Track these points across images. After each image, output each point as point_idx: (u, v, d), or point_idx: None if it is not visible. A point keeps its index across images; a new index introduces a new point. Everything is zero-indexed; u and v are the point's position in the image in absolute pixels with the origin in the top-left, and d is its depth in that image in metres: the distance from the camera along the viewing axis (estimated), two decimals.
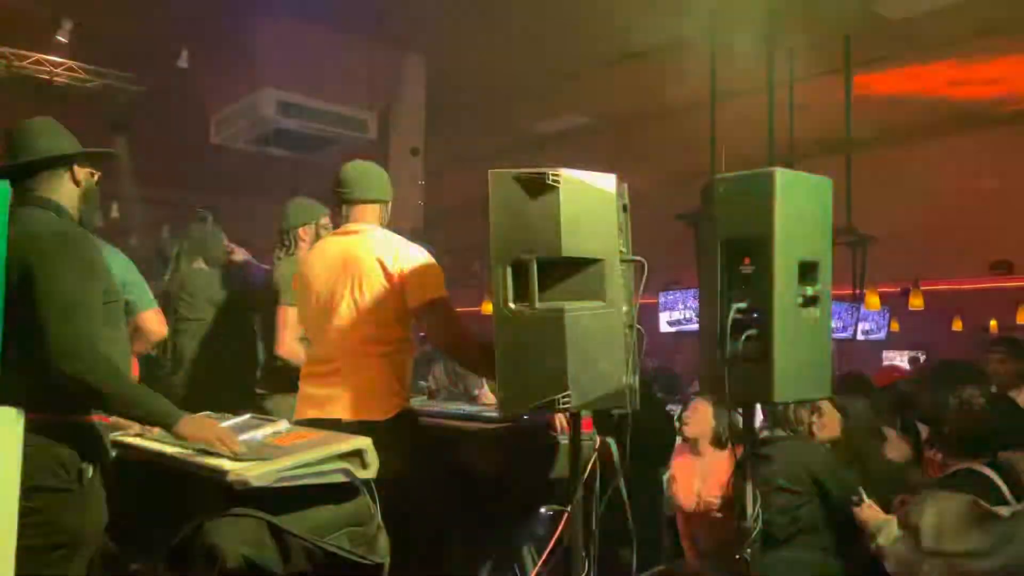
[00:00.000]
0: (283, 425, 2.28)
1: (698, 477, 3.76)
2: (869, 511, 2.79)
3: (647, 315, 8.37)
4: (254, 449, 2.05)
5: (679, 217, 6.98)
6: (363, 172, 2.72)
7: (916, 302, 9.89)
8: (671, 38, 7.41)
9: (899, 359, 11.41)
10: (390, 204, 2.77)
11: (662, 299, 8.78)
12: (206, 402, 2.74)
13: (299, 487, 1.93)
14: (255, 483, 1.83)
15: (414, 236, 2.95)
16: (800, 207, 2.19)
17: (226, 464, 1.91)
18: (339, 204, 2.70)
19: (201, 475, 1.97)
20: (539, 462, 2.55)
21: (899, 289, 10.30)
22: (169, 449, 2.12)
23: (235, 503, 1.90)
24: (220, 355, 3.87)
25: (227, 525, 1.89)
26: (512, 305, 2.11)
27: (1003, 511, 2.44)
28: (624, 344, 2.15)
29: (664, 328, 8.82)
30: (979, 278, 10.54)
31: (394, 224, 2.80)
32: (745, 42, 6.87)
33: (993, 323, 10.51)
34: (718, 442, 3.77)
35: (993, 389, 4.15)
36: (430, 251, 2.57)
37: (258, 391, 3.52)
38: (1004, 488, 2.54)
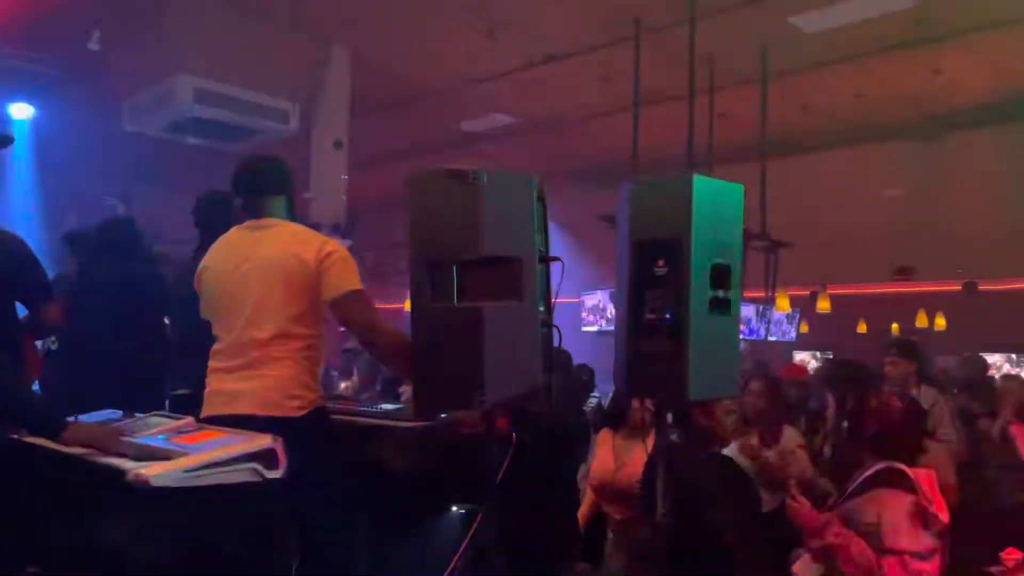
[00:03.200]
0: (189, 423, 2.21)
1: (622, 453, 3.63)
2: (801, 508, 2.66)
3: (569, 314, 8.47)
4: (156, 448, 1.98)
5: (601, 218, 7.07)
6: (265, 164, 2.68)
7: (823, 305, 10.31)
8: (595, 44, 7.52)
9: (813, 360, 11.85)
10: (293, 196, 2.71)
11: (583, 299, 8.90)
12: (112, 400, 2.65)
13: (205, 487, 1.87)
14: (155, 483, 1.76)
15: (334, 231, 2.91)
16: (714, 212, 2.26)
17: (127, 464, 1.84)
18: (243, 198, 2.64)
19: (101, 475, 1.90)
20: (454, 461, 2.55)
21: (808, 292, 10.70)
22: (67, 448, 2.03)
23: (137, 504, 1.83)
24: (130, 351, 3.73)
25: (127, 526, 1.82)
26: (430, 303, 2.10)
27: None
28: (540, 342, 2.17)
29: (585, 327, 8.94)
30: (883, 283, 11.04)
31: (316, 218, 2.75)
32: (668, 49, 7.02)
33: (895, 326, 11.01)
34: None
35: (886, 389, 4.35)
36: (348, 246, 2.53)
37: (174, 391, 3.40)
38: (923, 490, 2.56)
